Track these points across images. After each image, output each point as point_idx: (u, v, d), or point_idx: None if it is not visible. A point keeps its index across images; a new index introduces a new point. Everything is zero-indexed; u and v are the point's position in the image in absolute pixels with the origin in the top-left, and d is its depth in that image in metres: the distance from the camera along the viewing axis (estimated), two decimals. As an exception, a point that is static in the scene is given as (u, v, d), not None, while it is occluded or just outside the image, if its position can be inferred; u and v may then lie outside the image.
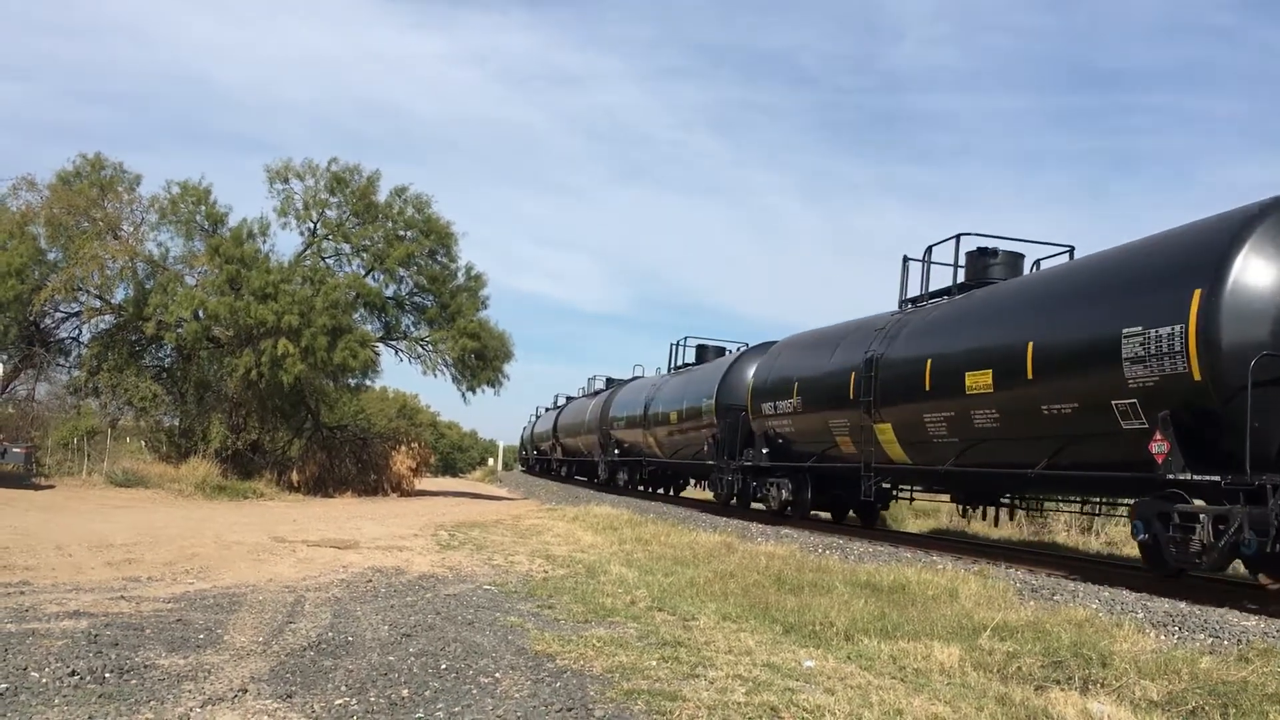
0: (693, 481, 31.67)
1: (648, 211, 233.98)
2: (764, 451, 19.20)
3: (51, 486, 22.82)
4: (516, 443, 74.30)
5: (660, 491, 32.89)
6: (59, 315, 28.17)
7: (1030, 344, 11.69)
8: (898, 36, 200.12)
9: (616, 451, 32.46)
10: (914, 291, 16.24)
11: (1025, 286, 13.49)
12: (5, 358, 26.53)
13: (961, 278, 15.25)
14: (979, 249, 15.19)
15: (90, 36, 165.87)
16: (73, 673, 5.24)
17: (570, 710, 4.99)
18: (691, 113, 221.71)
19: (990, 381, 12.40)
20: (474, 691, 5.34)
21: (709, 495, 29.12)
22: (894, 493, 18.18)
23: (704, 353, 28.13)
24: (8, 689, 4.91)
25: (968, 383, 12.77)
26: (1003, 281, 14.42)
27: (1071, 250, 14.44)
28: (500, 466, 77.77)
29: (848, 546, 14.36)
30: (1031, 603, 9.09)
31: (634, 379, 35.13)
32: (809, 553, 13.02)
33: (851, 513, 20.28)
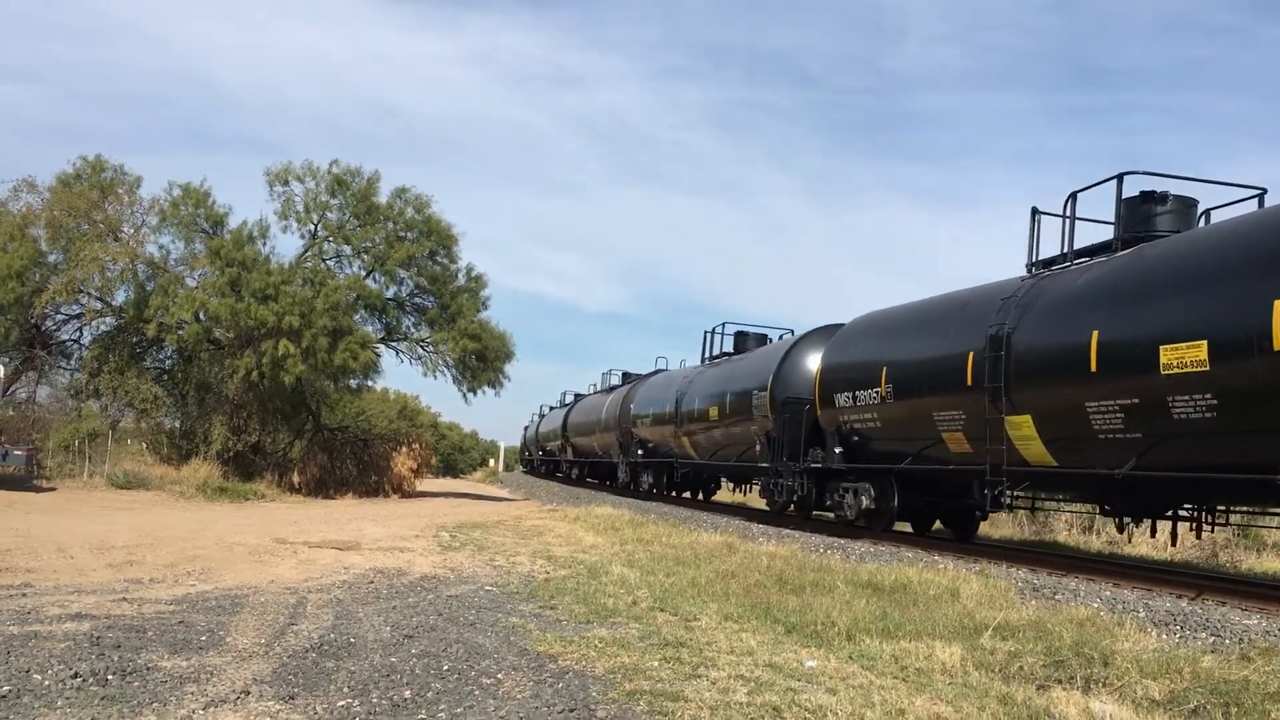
0: (730, 485, 29.01)
1: (650, 211, 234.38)
2: (837, 451, 16.59)
3: (53, 489, 22.83)
4: (517, 444, 74.32)
5: (687, 496, 29.73)
6: (60, 317, 28.26)
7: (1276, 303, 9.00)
8: (901, 36, 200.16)
9: (640, 452, 29.21)
10: (1050, 251, 13.44)
11: (1250, 232, 10.31)
12: (6, 360, 26.54)
13: (1117, 232, 12.47)
14: (1142, 193, 12.33)
15: (95, 39, 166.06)
16: (75, 675, 5.24)
17: (573, 711, 4.99)
18: (694, 112, 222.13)
19: (1205, 356, 9.62)
20: (476, 693, 5.34)
21: (750, 499, 27.66)
22: (1020, 502, 14.54)
23: (744, 341, 24.72)
24: (10, 691, 4.92)
25: (1164, 360, 10.05)
26: (1189, 232, 11.70)
27: (1263, 194, 11.94)
28: (501, 468, 77.77)
29: (849, 546, 14.36)
30: (1033, 602, 9.09)
31: (657, 372, 32.24)
32: (810, 552, 13.02)
33: (939, 523, 17.68)
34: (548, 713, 4.96)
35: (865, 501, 16.09)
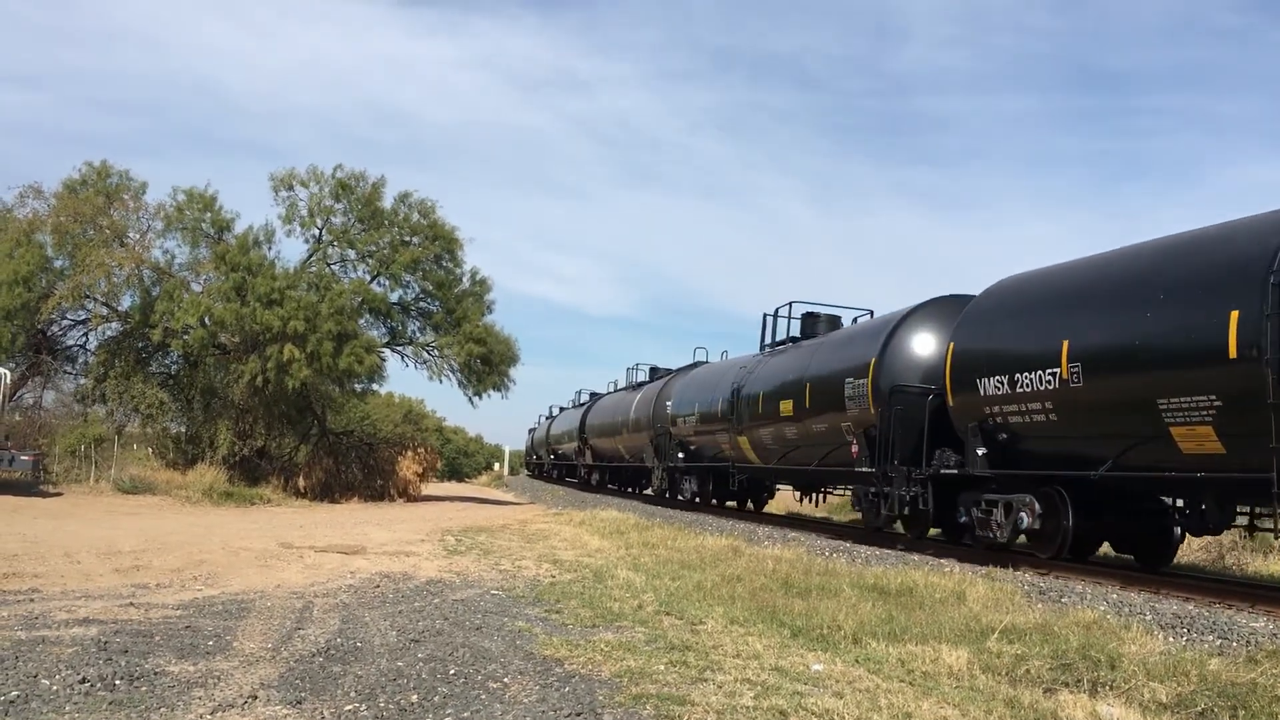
0: (798, 494, 23.33)
1: (655, 215, 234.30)
2: (980, 453, 13.11)
3: (59, 494, 22.88)
4: (522, 447, 74.08)
5: (732, 505, 25.51)
6: (66, 323, 28.35)
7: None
8: (905, 38, 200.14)
9: (680, 455, 25.71)
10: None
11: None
12: (13, 365, 26.57)
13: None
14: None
15: (100, 45, 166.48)
16: (83, 680, 5.25)
17: (579, 715, 5.00)
18: (699, 116, 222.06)
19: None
20: (483, 696, 5.35)
21: (813, 509, 24.52)
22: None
23: (813, 324, 20.89)
24: (19, 696, 4.93)
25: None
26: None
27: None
28: (506, 471, 77.74)
29: (854, 550, 14.35)
30: (1039, 605, 9.08)
31: (698, 365, 28.66)
32: (816, 556, 13.01)
33: (1107, 544, 14.04)
34: (554, 716, 4.97)
35: (1026, 519, 12.44)
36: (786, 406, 18.85)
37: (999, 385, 12.69)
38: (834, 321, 20.75)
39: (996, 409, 12.80)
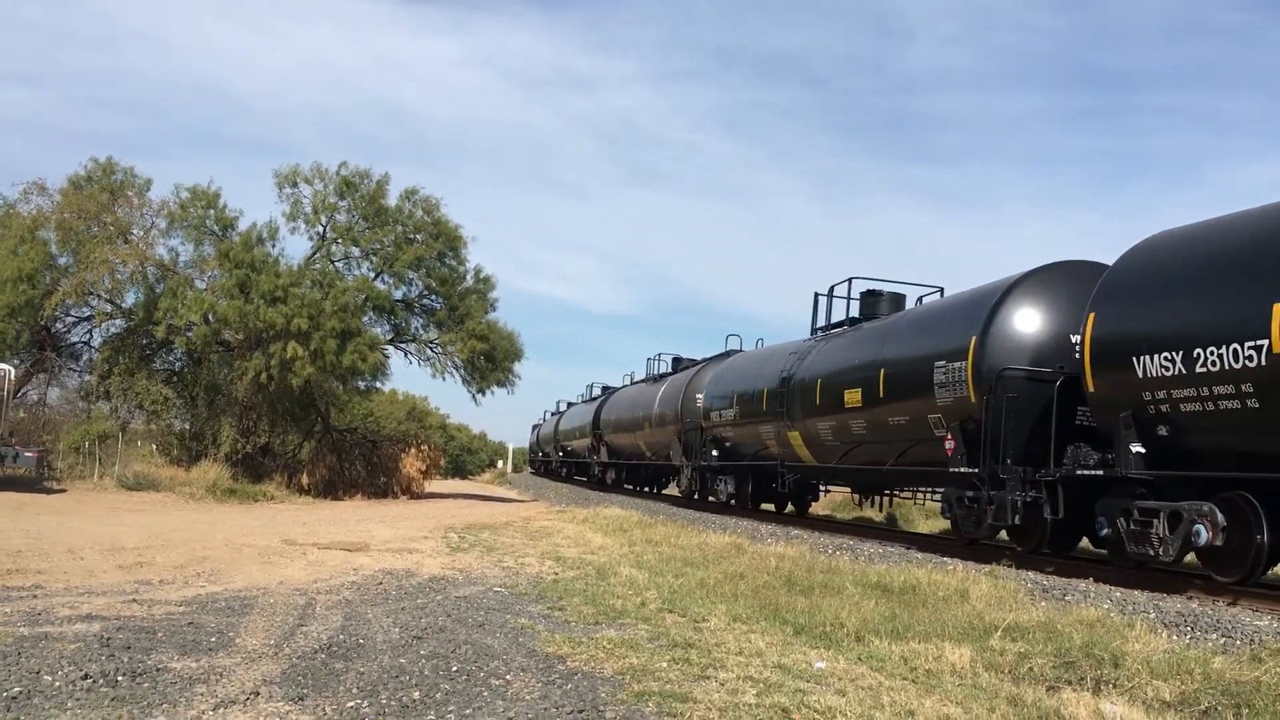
0: (859, 496, 20.99)
1: (658, 213, 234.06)
2: (1135, 451, 10.69)
3: (63, 490, 22.91)
4: (526, 445, 73.99)
5: (769, 508, 23.23)
6: (70, 320, 28.38)
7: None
8: (909, 38, 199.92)
9: (715, 453, 23.21)
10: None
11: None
12: (17, 362, 26.60)
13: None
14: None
15: (104, 44, 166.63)
16: (85, 676, 5.25)
17: (581, 712, 4.99)
18: (702, 114, 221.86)
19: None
20: (485, 694, 5.34)
21: (870, 511, 23.50)
22: None
23: (875, 303, 18.62)
24: (21, 692, 4.93)
25: None
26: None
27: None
28: (510, 469, 77.79)
29: (858, 547, 14.33)
30: (1043, 603, 9.06)
31: (730, 353, 26.12)
32: (819, 553, 13.00)
33: None
34: (556, 714, 4.96)
35: (1205, 534, 9.83)
36: (853, 396, 16.36)
37: (1166, 365, 10.23)
38: (897, 300, 18.41)
39: (1162, 394, 10.35)
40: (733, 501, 22.69)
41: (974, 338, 13.45)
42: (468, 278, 29.91)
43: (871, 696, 5.39)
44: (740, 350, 26.17)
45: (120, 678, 5.29)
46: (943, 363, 14.06)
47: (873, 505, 21.12)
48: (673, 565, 11.54)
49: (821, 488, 22.89)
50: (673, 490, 31.96)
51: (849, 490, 21.10)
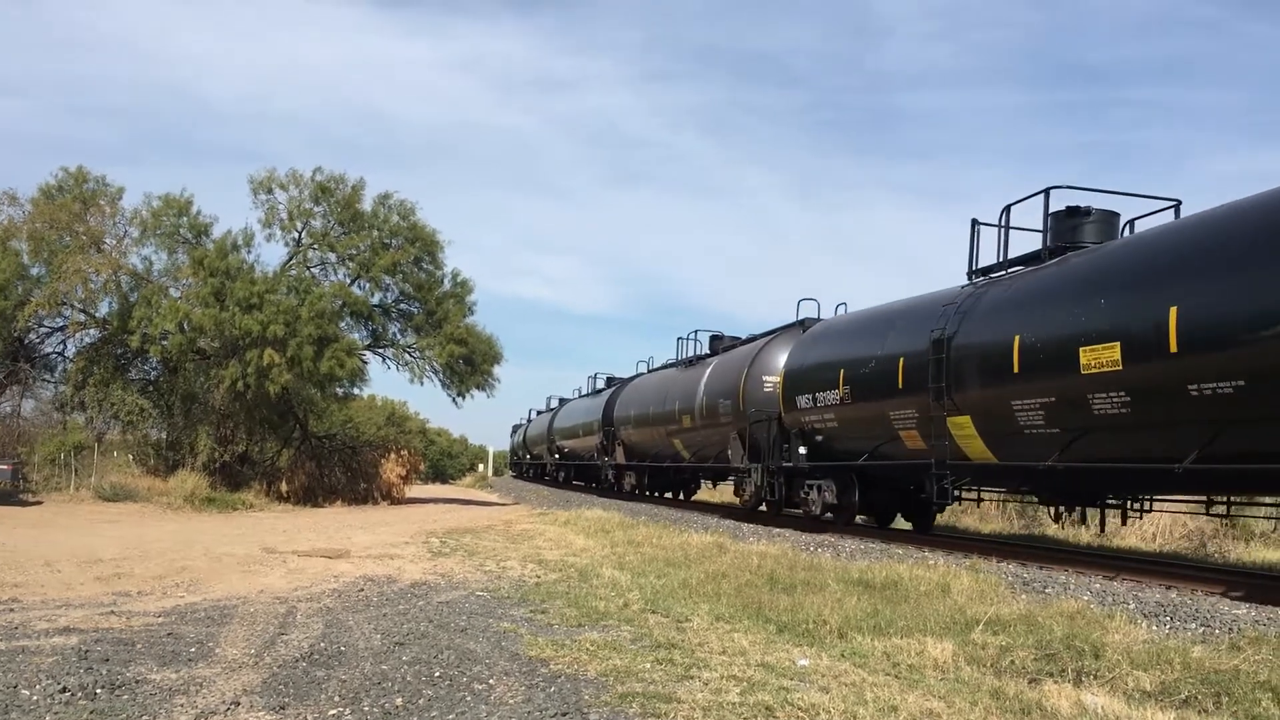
0: None
1: (641, 214, 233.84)
2: None
3: (39, 502, 22.73)
4: (507, 448, 73.66)
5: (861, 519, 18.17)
6: (43, 330, 28.14)
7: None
8: (886, 35, 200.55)
9: (803, 450, 17.48)
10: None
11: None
12: (-9, 374, 26.40)
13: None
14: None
15: (79, 52, 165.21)
16: (63, 689, 5.20)
17: (565, 715, 4.98)
18: (683, 114, 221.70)
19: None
20: (468, 699, 5.32)
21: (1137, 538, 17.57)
22: None
23: (1074, 226, 13.03)
24: (-2, 707, 4.88)
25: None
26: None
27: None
28: (490, 472, 77.64)
29: (839, 544, 14.37)
30: (1023, 596, 9.11)
31: (806, 322, 19.95)
32: (801, 551, 13.02)
33: None
34: (540, 717, 4.94)
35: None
36: (1101, 355, 10.68)
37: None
38: (1108, 221, 13.02)
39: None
40: (829, 515, 17.47)
41: None
42: (445, 281, 29.86)
43: (855, 693, 5.40)
44: (818, 319, 20.03)
45: (99, 690, 5.24)
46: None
47: (1082, 522, 16.01)
48: (655, 566, 11.54)
49: (960, 493, 15.67)
50: (708, 495, 29.14)
51: (1038, 500, 15.15)
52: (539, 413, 52.41)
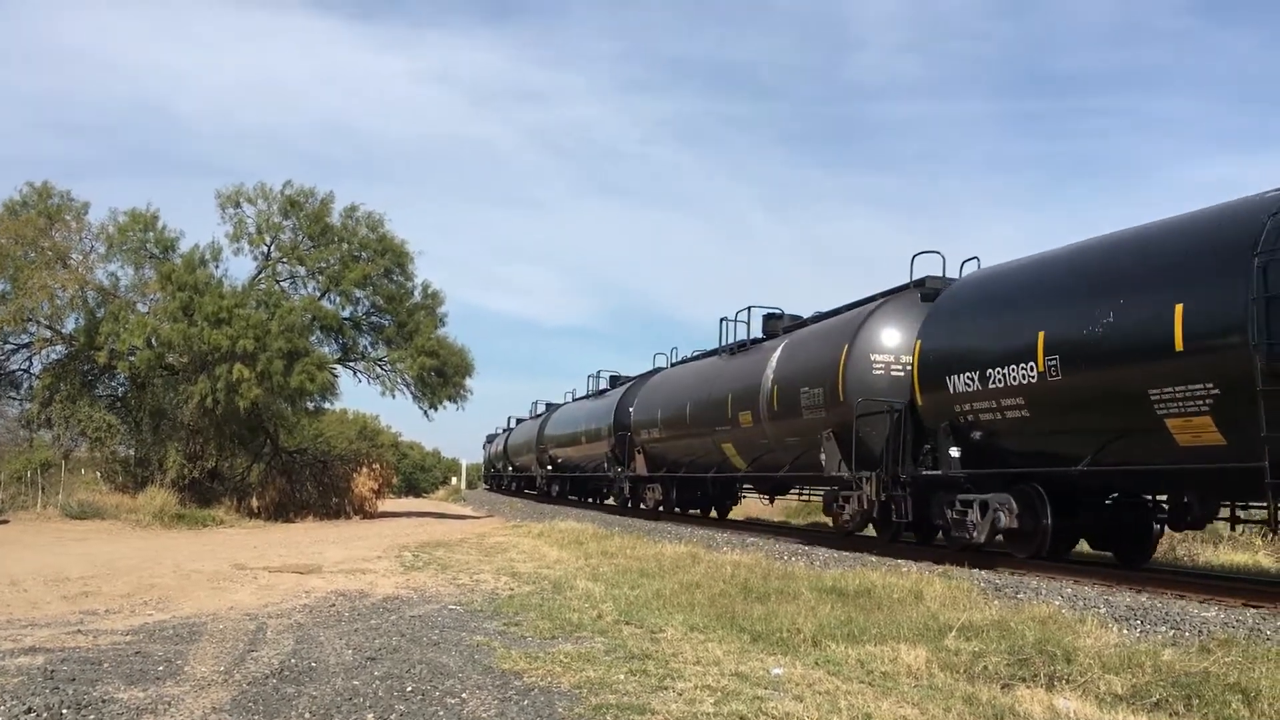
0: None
1: (615, 225, 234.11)
2: None
3: (5, 521, 22.40)
4: (480, 460, 73.28)
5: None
6: (9, 347, 27.74)
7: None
8: (859, 46, 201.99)
9: (956, 454, 12.93)
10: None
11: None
12: (-46, 392, 26.04)
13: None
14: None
15: (46, 66, 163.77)
16: (29, 710, 5.12)
17: (538, 728, 4.95)
18: (657, 126, 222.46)
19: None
20: (441, 713, 5.28)
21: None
22: None
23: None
24: (-40, 730, 4.80)
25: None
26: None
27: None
28: (464, 485, 77.28)
29: (813, 553, 14.38)
30: (996, 602, 9.15)
31: (947, 281, 15.11)
32: (774, 560, 13.03)
33: None
34: (513, 730, 4.92)
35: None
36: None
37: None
38: None
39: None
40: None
41: None
42: (416, 293, 29.69)
43: (829, 701, 5.40)
44: (945, 278, 15.86)
45: (65, 710, 5.17)
46: None
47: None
48: (629, 577, 11.51)
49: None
50: (758, 511, 28.01)
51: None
52: (520, 420, 48.79)
